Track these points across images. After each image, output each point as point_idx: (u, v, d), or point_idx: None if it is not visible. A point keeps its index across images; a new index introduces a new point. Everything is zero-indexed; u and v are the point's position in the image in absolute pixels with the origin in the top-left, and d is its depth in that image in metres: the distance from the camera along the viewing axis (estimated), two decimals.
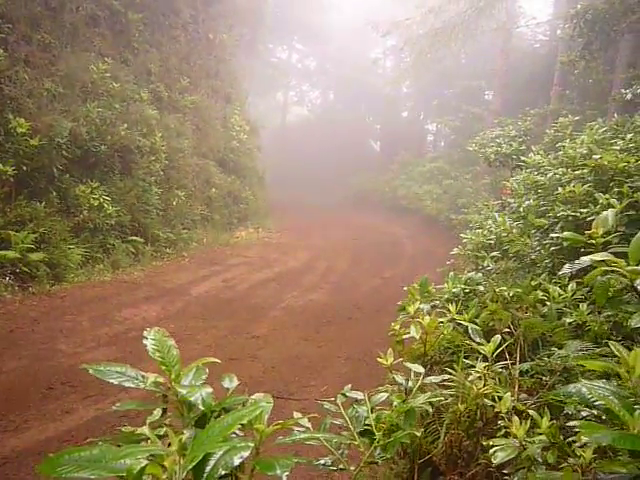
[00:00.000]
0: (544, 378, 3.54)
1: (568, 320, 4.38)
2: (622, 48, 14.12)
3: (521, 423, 2.39)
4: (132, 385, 1.64)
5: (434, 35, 18.22)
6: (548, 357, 3.90)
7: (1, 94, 10.58)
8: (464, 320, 3.49)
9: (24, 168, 10.50)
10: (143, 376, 1.69)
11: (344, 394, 2.39)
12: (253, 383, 6.78)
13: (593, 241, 2.24)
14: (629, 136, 5.94)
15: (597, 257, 2.03)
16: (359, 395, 2.37)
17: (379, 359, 3.25)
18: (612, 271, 2.03)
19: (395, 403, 2.54)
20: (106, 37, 13.88)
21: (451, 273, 5.33)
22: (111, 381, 1.67)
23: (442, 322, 3.26)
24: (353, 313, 10.47)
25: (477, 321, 4.41)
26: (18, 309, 9.12)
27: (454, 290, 4.89)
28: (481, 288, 5.05)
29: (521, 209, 6.36)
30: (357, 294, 12.34)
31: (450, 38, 18.28)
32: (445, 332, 3.25)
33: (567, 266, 2.29)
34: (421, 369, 2.86)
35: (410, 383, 3.37)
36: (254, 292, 11.77)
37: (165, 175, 14.74)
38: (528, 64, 25.69)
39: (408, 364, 2.70)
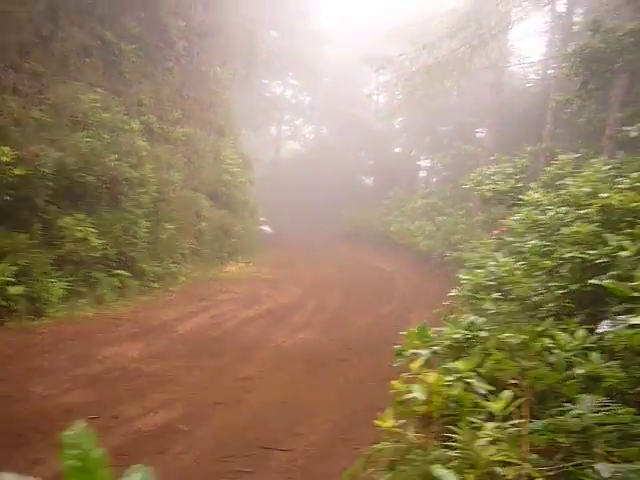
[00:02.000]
0: (559, 439, 3.19)
1: (578, 371, 4.05)
2: (616, 87, 14.12)
3: None
4: None
5: (427, 72, 18.26)
6: (560, 413, 3.57)
7: None
8: (469, 375, 3.15)
9: (7, 198, 10.17)
10: None
11: None
12: (238, 430, 6.36)
13: (638, 294, 1.94)
14: (634, 175, 5.71)
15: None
16: None
17: (377, 422, 2.92)
18: None
19: None
20: (97, 67, 13.73)
21: (452, 316, 5.00)
22: None
23: (450, 381, 2.93)
24: (345, 354, 10.06)
25: (481, 371, 4.09)
26: None
27: (455, 336, 4.55)
28: (484, 334, 4.71)
29: (524, 249, 6.07)
30: (349, 333, 11.94)
31: (443, 75, 18.32)
32: (454, 393, 2.91)
33: (605, 323, 1.99)
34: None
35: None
36: (242, 330, 11.36)
37: (154, 207, 14.41)
38: (520, 102, 25.84)
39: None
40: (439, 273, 20.06)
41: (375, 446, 3.43)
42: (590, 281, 2.31)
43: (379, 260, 26.30)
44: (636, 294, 1.89)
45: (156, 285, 13.82)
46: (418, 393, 2.60)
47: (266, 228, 32.63)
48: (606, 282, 1.97)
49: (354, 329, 12.43)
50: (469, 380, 3.13)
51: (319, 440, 6.25)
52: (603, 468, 1.89)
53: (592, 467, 2.58)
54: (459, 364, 3.33)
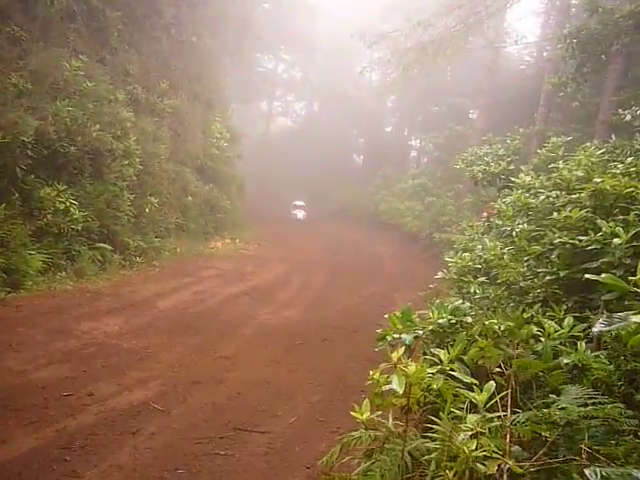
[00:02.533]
0: (543, 434, 3.05)
1: (565, 360, 3.91)
2: (611, 71, 13.92)
3: None
4: None
5: (421, 49, 17.91)
6: (545, 404, 3.43)
7: None
8: (452, 366, 2.99)
9: None
10: None
11: None
12: (215, 411, 6.21)
13: (637, 290, 1.78)
14: (629, 160, 5.54)
15: None
16: None
17: (353, 413, 2.77)
18: None
19: None
20: (82, 34, 13.27)
21: (437, 301, 4.84)
22: None
23: (432, 373, 2.76)
24: (328, 334, 9.93)
25: (465, 359, 3.94)
26: None
27: (440, 321, 4.39)
28: (469, 319, 4.56)
29: (514, 233, 5.91)
30: (333, 312, 11.82)
31: (437, 53, 17.99)
32: (435, 386, 2.74)
33: (602, 321, 1.83)
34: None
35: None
36: (225, 307, 11.20)
37: (138, 180, 14.10)
38: (514, 85, 25.58)
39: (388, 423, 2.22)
40: (427, 254, 19.98)
41: (353, 433, 3.29)
42: (586, 276, 2.14)
43: (367, 239, 26.18)
44: (635, 289, 1.74)
45: (139, 260, 13.59)
46: (396, 385, 2.44)
47: (298, 213, 33.63)
48: (603, 277, 1.80)
49: (339, 308, 12.31)
50: (452, 372, 2.97)
51: (298, 422, 6.11)
52: (592, 473, 1.74)
53: (579, 468, 2.44)
54: (441, 354, 3.16)
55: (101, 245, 12.26)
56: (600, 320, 1.82)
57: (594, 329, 1.94)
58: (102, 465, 4.78)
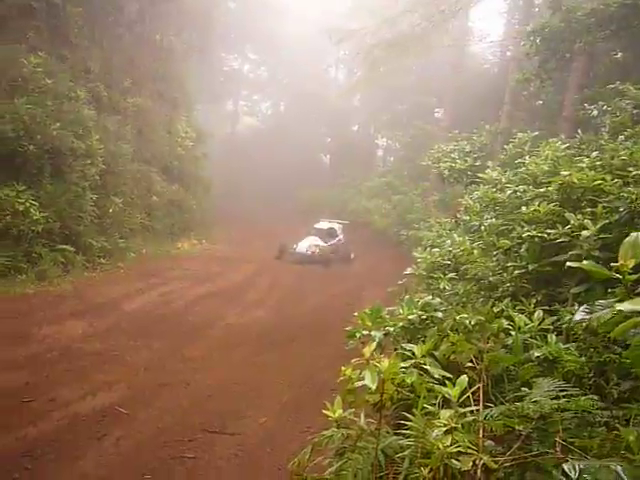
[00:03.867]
0: (517, 427, 3.01)
1: (536, 353, 3.90)
2: (574, 70, 14.15)
3: None
4: None
5: (387, 47, 17.94)
6: (517, 398, 3.41)
7: None
8: (425, 360, 2.93)
9: None
10: None
11: None
12: (183, 414, 6.06)
13: (619, 276, 1.74)
14: (594, 154, 5.59)
15: (630, 306, 1.51)
16: None
17: (325, 411, 2.69)
18: None
19: None
20: (41, 30, 12.92)
21: (406, 297, 4.79)
22: None
23: (404, 368, 2.70)
24: (297, 333, 9.85)
25: (436, 354, 3.90)
26: None
27: (410, 317, 4.35)
28: (439, 314, 4.53)
29: (482, 228, 5.91)
30: (302, 312, 11.75)
31: (403, 51, 18.05)
32: (409, 380, 2.68)
33: (583, 309, 1.78)
34: None
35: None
36: (193, 308, 11.01)
37: (101, 180, 13.77)
38: (478, 83, 25.87)
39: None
40: (395, 252, 20.03)
41: (324, 432, 3.21)
42: (568, 264, 2.10)
43: None
44: (617, 276, 1.70)
45: (103, 261, 13.28)
46: (369, 381, 2.37)
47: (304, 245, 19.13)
48: (585, 264, 1.76)
49: (307, 307, 12.24)
50: (425, 366, 2.91)
51: (268, 423, 6.02)
52: (570, 468, 1.70)
53: (554, 461, 2.41)
54: (416, 349, 3.10)
55: (63, 247, 11.92)
56: (581, 309, 1.79)
57: (575, 317, 1.90)
58: (65, 473, 4.61)
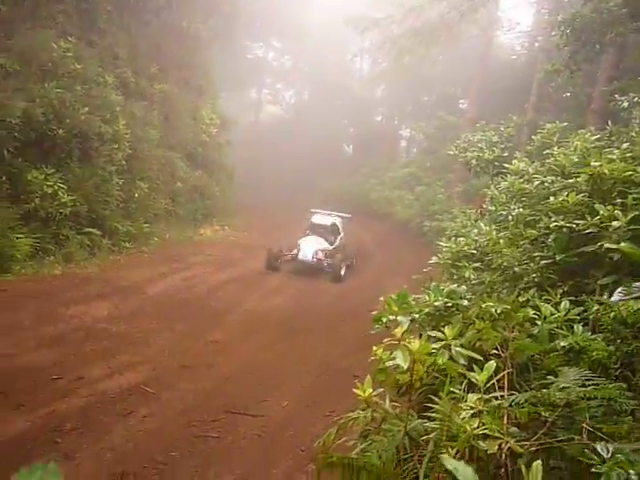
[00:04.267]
0: (543, 414, 3.03)
1: (562, 343, 3.90)
2: (604, 62, 13.90)
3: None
4: None
5: (414, 35, 17.76)
6: (542, 385, 3.41)
7: None
8: (455, 343, 2.95)
9: None
10: None
11: None
12: (205, 396, 6.17)
13: None
14: (625, 145, 5.52)
15: None
16: None
17: (356, 390, 2.73)
18: None
19: None
20: (70, 15, 13.02)
21: (432, 284, 4.80)
22: None
23: (435, 349, 2.73)
24: (317, 320, 9.91)
25: (462, 341, 3.91)
26: None
27: (436, 303, 4.36)
28: (465, 302, 4.53)
29: (509, 217, 5.87)
30: (322, 300, 11.80)
31: (430, 40, 17.86)
32: (440, 361, 2.70)
33: (620, 291, 1.79)
34: None
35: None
36: (215, 293, 11.12)
37: (127, 165, 13.91)
38: (506, 74, 25.50)
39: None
40: (417, 243, 19.96)
41: (350, 414, 3.25)
42: (606, 245, 2.09)
43: (357, 227, 26.07)
44: None
45: (128, 245, 13.44)
46: (401, 360, 2.40)
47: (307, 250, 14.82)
48: (622, 245, 1.76)
49: (328, 296, 12.28)
50: (456, 348, 2.93)
51: (290, 406, 6.09)
52: (603, 447, 1.71)
53: (580, 447, 2.42)
54: (446, 330, 3.12)
55: (90, 230, 12.09)
56: (618, 290, 1.79)
57: (612, 298, 1.91)
58: (94, 447, 4.73)
